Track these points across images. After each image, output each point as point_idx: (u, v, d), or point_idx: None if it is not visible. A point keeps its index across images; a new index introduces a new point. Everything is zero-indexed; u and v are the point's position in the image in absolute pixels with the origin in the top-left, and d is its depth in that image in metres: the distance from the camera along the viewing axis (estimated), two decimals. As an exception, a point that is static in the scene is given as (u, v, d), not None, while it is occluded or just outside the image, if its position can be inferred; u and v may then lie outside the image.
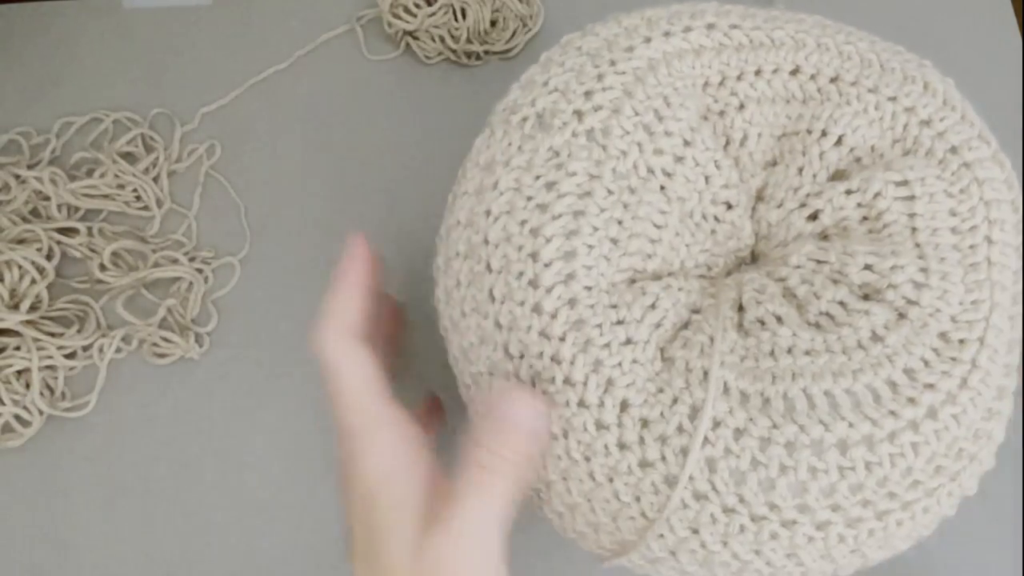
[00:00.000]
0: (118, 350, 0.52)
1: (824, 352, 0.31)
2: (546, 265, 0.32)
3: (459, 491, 0.31)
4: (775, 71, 0.36)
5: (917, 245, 0.33)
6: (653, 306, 0.32)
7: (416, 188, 0.57)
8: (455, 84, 0.59)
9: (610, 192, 0.33)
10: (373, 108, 0.59)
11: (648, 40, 0.35)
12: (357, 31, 0.61)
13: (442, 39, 0.59)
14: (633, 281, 0.33)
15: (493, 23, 0.60)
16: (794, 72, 0.36)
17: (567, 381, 0.31)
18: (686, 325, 0.33)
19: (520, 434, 0.31)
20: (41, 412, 0.50)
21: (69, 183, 0.55)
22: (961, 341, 0.31)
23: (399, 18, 0.58)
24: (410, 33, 0.59)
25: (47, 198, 0.55)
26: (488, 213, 0.34)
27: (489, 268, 0.33)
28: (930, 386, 0.30)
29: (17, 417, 0.50)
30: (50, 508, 0.50)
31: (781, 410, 0.30)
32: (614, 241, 0.33)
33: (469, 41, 0.59)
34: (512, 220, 0.33)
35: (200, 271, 0.54)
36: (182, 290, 0.53)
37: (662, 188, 0.34)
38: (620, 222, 0.33)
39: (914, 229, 0.33)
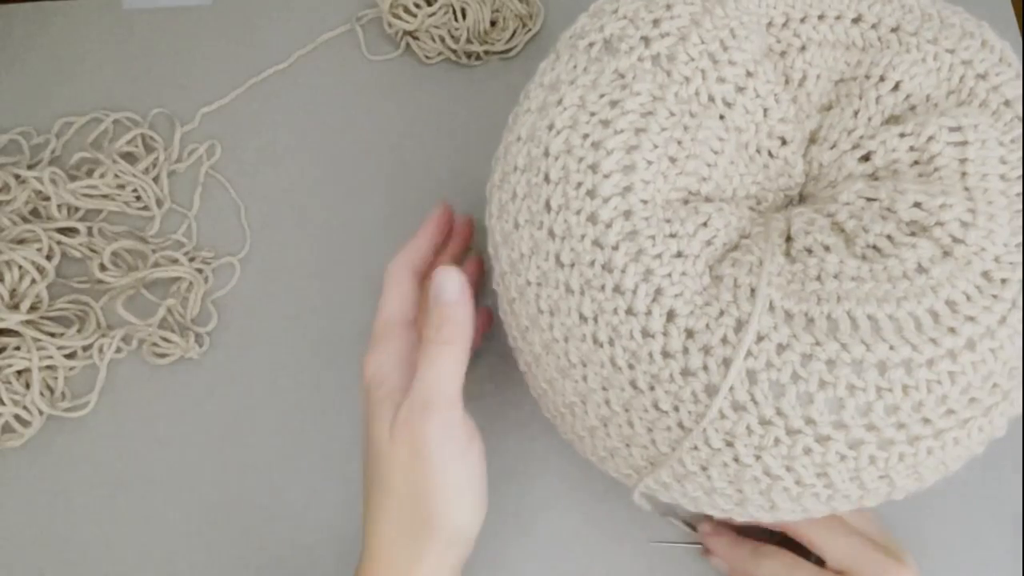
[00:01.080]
0: (118, 350, 0.52)
1: (869, 279, 0.31)
2: (605, 176, 0.33)
3: (418, 368, 0.38)
4: (838, 17, 0.38)
5: (966, 189, 0.33)
6: (705, 224, 0.33)
7: (416, 187, 0.57)
8: (455, 84, 0.59)
9: (672, 114, 0.34)
10: (373, 108, 0.59)
11: None
12: (357, 31, 0.61)
13: (442, 39, 0.59)
14: (687, 202, 0.35)
15: (493, 23, 0.60)
16: (856, 20, 0.38)
17: (617, 289, 0.32)
18: (735, 247, 0.34)
19: (450, 305, 0.38)
20: (41, 412, 0.50)
21: (69, 183, 0.55)
22: (1003, 281, 0.32)
23: (399, 18, 0.58)
24: (410, 33, 0.59)
25: (47, 198, 0.55)
26: (551, 127, 0.35)
27: (547, 179, 0.34)
28: (971, 319, 0.31)
29: (17, 417, 0.50)
30: (50, 508, 0.50)
31: (824, 329, 0.31)
32: (672, 160, 0.34)
33: (469, 41, 0.59)
34: (575, 133, 0.34)
35: (200, 271, 0.54)
36: (182, 290, 0.53)
37: (721, 117, 0.35)
38: (679, 142, 0.34)
39: (964, 174, 0.34)
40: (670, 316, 0.32)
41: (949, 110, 0.35)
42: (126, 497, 0.50)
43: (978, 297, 0.31)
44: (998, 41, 0.37)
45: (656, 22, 0.35)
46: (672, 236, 0.33)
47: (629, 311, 0.32)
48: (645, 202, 0.33)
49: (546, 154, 0.35)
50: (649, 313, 0.32)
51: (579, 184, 0.33)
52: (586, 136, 0.34)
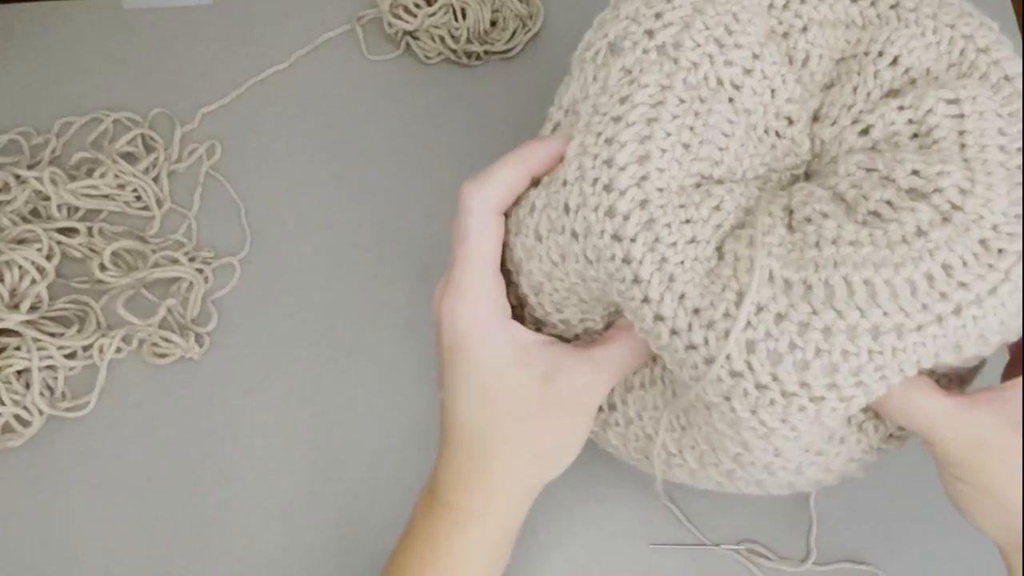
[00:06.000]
0: (118, 350, 0.52)
1: (868, 243, 0.32)
2: (621, 169, 0.33)
3: (610, 342, 0.37)
4: None
5: (965, 160, 0.34)
6: (718, 207, 0.34)
7: (416, 187, 0.57)
8: (455, 84, 0.59)
9: (682, 101, 0.34)
10: (373, 108, 0.59)
11: None
12: (357, 31, 0.61)
13: (442, 39, 0.59)
14: (699, 185, 0.35)
15: (493, 23, 0.60)
16: None
17: (635, 280, 0.33)
18: (741, 225, 0.35)
19: None
20: (41, 412, 0.50)
21: (69, 183, 0.55)
22: (1000, 251, 0.32)
23: (399, 18, 0.59)
24: (410, 33, 0.59)
25: (47, 198, 0.55)
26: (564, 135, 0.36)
27: (565, 182, 0.35)
28: (963, 284, 0.31)
29: (17, 417, 0.50)
30: (50, 508, 0.50)
31: (821, 296, 0.31)
32: (685, 146, 0.34)
33: (469, 41, 0.59)
34: (588, 134, 0.35)
35: (200, 271, 0.54)
36: (182, 290, 0.53)
37: (731, 100, 0.36)
38: (691, 128, 0.34)
39: (963, 145, 0.34)
40: (681, 299, 0.33)
41: (948, 83, 0.35)
42: (126, 497, 0.50)
43: (974, 264, 0.32)
44: (994, 24, 0.38)
45: (658, 15, 0.36)
46: (687, 222, 0.33)
47: (645, 300, 0.33)
48: (661, 190, 0.34)
49: (561, 158, 0.35)
50: (661, 300, 0.33)
51: (595, 180, 0.34)
52: (599, 134, 0.34)
